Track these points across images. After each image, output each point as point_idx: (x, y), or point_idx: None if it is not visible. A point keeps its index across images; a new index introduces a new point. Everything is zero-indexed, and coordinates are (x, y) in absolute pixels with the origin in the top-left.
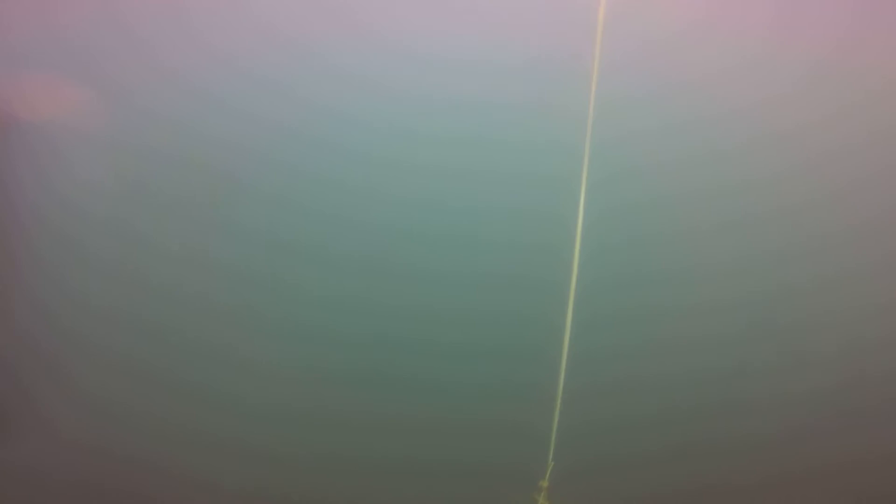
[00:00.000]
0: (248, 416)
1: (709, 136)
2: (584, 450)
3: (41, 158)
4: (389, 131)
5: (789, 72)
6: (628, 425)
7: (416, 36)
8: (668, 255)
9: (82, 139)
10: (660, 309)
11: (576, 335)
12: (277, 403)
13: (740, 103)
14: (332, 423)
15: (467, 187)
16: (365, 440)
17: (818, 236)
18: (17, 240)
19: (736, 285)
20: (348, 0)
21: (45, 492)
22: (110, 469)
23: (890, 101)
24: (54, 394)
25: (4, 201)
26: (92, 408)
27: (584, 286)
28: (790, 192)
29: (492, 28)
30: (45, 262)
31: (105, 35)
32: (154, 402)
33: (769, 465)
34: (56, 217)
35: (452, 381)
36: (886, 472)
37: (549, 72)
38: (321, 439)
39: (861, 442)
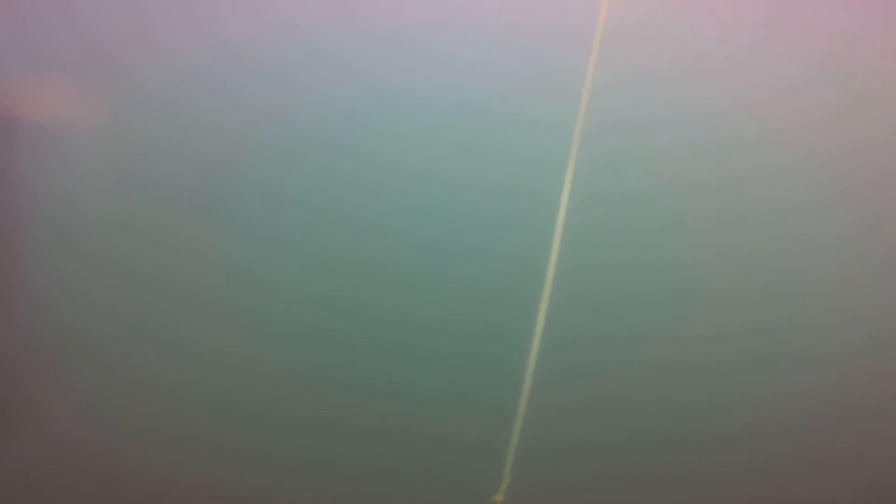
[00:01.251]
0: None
1: (701, 131)
2: (542, 466)
3: (42, 154)
4: (376, 128)
5: (793, 67)
6: (590, 445)
7: (405, 30)
8: (642, 280)
9: (84, 134)
10: (632, 332)
11: (544, 351)
12: (245, 401)
13: (737, 99)
14: (289, 424)
15: (444, 190)
16: (319, 441)
17: (810, 236)
18: (17, 236)
19: (716, 309)
20: None
21: (41, 493)
22: (106, 471)
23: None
24: (52, 394)
25: (6, 197)
26: (89, 409)
27: (556, 303)
28: (784, 191)
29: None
30: (45, 259)
31: (109, 25)
32: (150, 403)
33: (731, 494)
34: (57, 213)
35: (412, 385)
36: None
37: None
38: (273, 439)
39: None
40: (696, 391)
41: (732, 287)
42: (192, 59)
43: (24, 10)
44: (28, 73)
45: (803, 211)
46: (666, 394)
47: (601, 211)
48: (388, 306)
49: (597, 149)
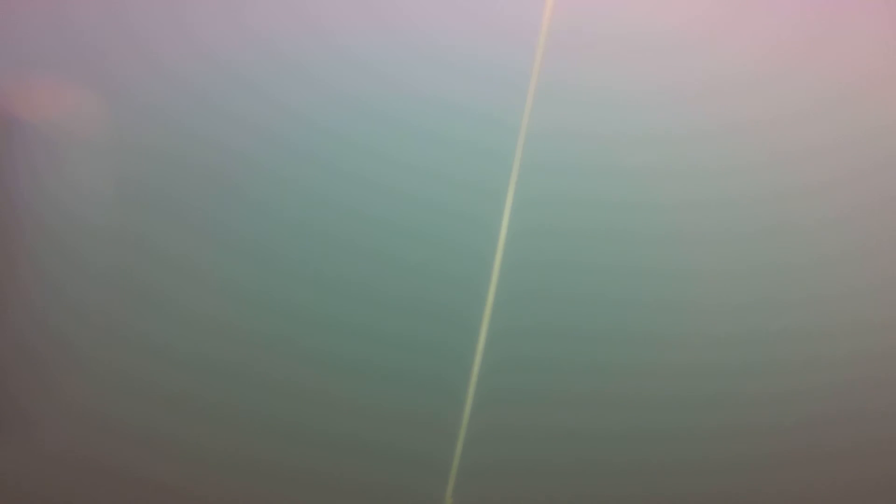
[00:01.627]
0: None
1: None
2: (486, 487)
3: (40, 161)
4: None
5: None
6: (534, 468)
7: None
8: (581, 310)
9: (81, 141)
10: (573, 362)
11: (485, 371)
12: (238, 410)
13: (674, 161)
14: (240, 427)
15: (388, 205)
16: (250, 452)
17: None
18: (14, 244)
19: (654, 344)
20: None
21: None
22: (101, 479)
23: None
24: (44, 401)
25: (2, 204)
26: (81, 417)
27: (497, 326)
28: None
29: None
30: (37, 264)
31: (104, 34)
32: (143, 410)
33: None
34: (54, 222)
35: (351, 400)
36: None
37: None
38: (234, 444)
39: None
40: (637, 421)
41: (671, 324)
42: (189, 69)
43: (20, 15)
44: (22, 79)
45: (746, 272)
46: (607, 422)
47: (541, 240)
48: (328, 317)
49: (540, 181)
